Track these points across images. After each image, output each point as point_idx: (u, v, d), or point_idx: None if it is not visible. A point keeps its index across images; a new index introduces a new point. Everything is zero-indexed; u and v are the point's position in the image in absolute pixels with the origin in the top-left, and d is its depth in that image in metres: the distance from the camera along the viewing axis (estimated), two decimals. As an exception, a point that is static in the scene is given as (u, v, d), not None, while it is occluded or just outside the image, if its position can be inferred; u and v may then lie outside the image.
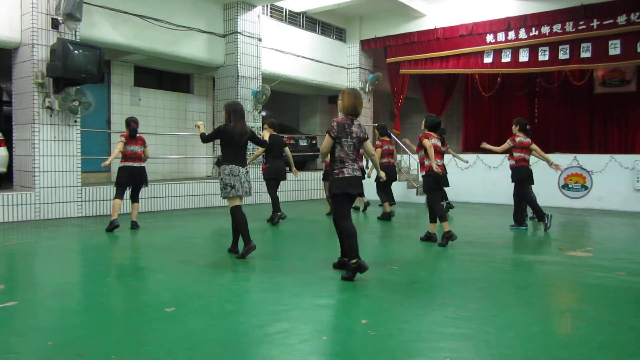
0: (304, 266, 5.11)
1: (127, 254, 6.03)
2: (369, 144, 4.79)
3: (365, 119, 14.74)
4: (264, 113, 12.41)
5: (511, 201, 8.05)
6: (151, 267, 5.17)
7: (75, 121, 8.60)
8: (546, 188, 10.98)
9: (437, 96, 15.73)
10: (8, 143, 8.75)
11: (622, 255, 5.98)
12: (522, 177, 7.66)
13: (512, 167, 7.77)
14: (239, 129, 5.43)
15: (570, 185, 11.23)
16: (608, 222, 8.96)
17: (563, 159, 11.36)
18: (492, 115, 16.22)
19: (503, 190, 10.07)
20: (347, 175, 4.55)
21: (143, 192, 9.62)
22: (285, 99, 16.74)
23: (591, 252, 5.99)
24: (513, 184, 7.80)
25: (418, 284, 4.50)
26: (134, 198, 7.62)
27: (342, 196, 4.59)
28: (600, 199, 10.83)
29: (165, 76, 12.80)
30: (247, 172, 5.54)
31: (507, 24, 12.21)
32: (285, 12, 13.08)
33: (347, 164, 4.58)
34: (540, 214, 7.59)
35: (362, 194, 4.71)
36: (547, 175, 10.93)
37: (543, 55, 11.93)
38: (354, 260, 4.46)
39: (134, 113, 11.76)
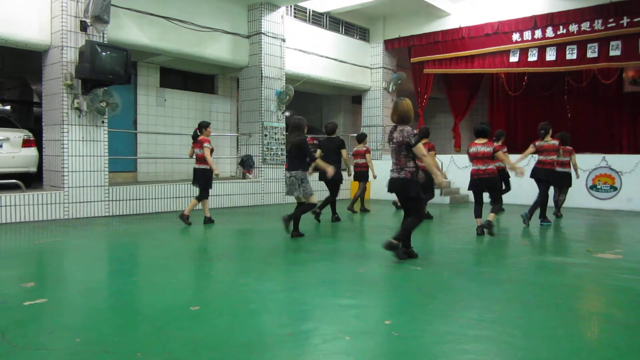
0: (327, 266, 5.12)
1: (152, 253, 6.11)
2: (419, 146, 5.01)
3: (389, 118, 14.65)
4: (287, 113, 12.45)
5: (530, 202, 8.32)
6: (176, 266, 5.24)
7: (103, 122, 8.76)
8: (574, 189, 10.73)
9: (461, 96, 15.57)
10: (38, 143, 8.96)
11: (652, 258, 5.83)
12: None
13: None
14: None
15: (598, 186, 11.00)
16: (638, 224, 8.75)
17: (591, 159, 11.15)
18: (518, 115, 16.00)
19: (527, 190, 9.87)
20: (390, 177, 5.23)
21: (169, 192, 9.81)
22: (309, 99, 16.77)
23: (620, 254, 5.86)
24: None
25: (442, 285, 4.46)
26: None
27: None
28: (630, 200, 10.58)
29: (190, 77, 12.94)
30: None
31: (534, 22, 12.01)
32: (309, 12, 13.10)
33: (392, 166, 5.21)
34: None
35: (406, 195, 5.18)
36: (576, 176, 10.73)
37: (571, 54, 11.71)
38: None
39: (159, 114, 11.95)
